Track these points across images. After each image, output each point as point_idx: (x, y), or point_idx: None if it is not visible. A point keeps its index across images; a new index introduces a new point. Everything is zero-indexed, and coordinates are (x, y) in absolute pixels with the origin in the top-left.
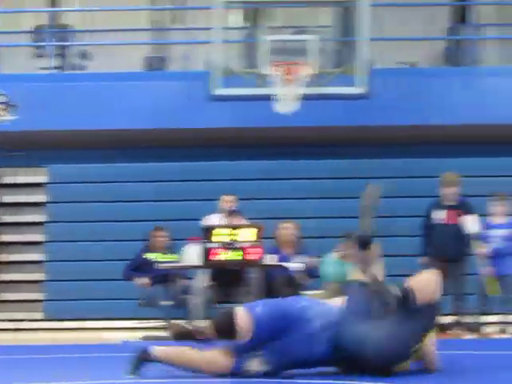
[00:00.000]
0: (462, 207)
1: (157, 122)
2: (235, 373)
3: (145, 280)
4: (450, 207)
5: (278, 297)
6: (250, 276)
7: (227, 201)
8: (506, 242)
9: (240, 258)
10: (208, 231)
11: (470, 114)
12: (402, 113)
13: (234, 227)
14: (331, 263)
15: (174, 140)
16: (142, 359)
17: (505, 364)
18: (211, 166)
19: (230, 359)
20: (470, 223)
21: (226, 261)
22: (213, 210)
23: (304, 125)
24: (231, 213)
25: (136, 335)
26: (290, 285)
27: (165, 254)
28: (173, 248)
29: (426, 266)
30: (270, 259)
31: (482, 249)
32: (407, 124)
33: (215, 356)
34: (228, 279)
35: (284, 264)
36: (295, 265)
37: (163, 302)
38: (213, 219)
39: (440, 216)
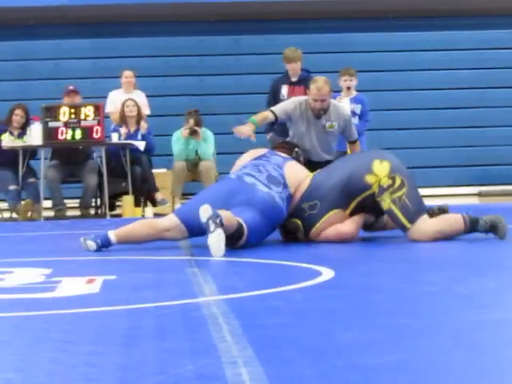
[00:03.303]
0: (305, 83)
1: None
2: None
3: None
4: (292, 83)
5: (123, 176)
6: (93, 154)
7: (126, 76)
8: (352, 118)
9: (82, 136)
10: (49, 110)
11: None
12: None
13: (75, 106)
14: (179, 140)
15: (6, 19)
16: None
17: None
18: (46, 45)
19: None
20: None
21: (68, 140)
22: (41, 89)
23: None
24: (71, 91)
25: None
26: (137, 163)
27: (18, 132)
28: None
29: (272, 142)
30: (114, 137)
31: None
32: (231, 0)
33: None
34: (72, 158)
35: (130, 142)
36: (140, 143)
37: (11, 186)
38: (114, 95)
39: (283, 92)
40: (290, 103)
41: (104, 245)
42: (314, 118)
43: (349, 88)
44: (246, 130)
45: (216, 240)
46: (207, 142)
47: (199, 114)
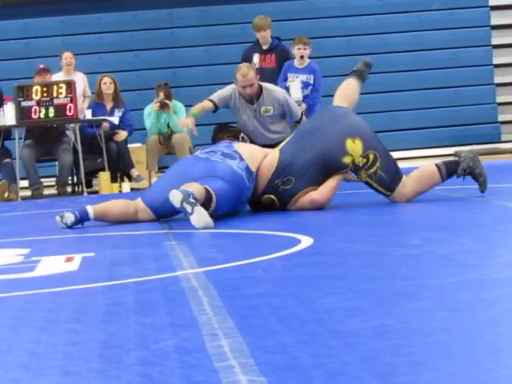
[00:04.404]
0: (276, 51)
1: None
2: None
3: None
4: (264, 51)
5: (99, 153)
6: (68, 132)
7: (66, 57)
8: (305, 89)
9: (55, 114)
10: (21, 90)
11: None
12: None
13: (47, 84)
14: (151, 115)
15: None
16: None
17: None
18: (14, 25)
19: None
20: (294, 90)
21: (42, 119)
22: (12, 69)
23: None
24: (42, 70)
25: None
26: (112, 139)
27: None
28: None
29: None
30: (88, 114)
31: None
32: None
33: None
34: (46, 137)
35: (103, 118)
36: (114, 118)
37: None
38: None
39: (255, 60)
40: (226, 90)
41: (82, 218)
42: (248, 103)
43: (302, 57)
44: (188, 122)
45: (199, 218)
46: (178, 115)
47: (169, 87)
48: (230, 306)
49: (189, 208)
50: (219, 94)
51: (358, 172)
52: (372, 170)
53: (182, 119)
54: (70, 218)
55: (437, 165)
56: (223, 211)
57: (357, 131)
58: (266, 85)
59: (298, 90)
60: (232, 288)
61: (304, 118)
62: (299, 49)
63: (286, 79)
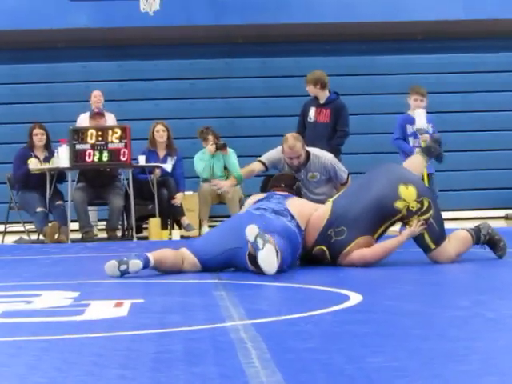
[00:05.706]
0: (332, 105)
1: (16, 22)
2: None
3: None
4: (320, 105)
5: (150, 199)
6: (120, 177)
7: (95, 95)
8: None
9: (109, 159)
10: (76, 133)
11: (333, 11)
12: (254, 11)
13: (101, 128)
14: (202, 160)
15: (33, 41)
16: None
17: None
18: (74, 68)
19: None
20: (419, 117)
21: (96, 162)
22: (69, 112)
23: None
24: (96, 114)
25: (8, 239)
26: (164, 185)
27: (44, 156)
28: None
29: None
30: (141, 160)
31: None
32: (259, 23)
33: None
34: (98, 181)
35: (157, 165)
36: (167, 165)
37: (38, 208)
38: (83, 118)
39: (311, 114)
40: (276, 152)
41: (145, 266)
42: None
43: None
44: (224, 184)
45: (267, 256)
46: (233, 158)
47: (213, 130)
48: (279, 360)
49: (260, 243)
50: (269, 156)
51: (411, 218)
52: (425, 217)
53: (219, 181)
54: (136, 265)
55: (467, 230)
56: (287, 265)
57: (409, 179)
58: (313, 151)
59: (423, 117)
60: (281, 341)
61: (350, 180)
62: (416, 100)
63: (404, 133)
